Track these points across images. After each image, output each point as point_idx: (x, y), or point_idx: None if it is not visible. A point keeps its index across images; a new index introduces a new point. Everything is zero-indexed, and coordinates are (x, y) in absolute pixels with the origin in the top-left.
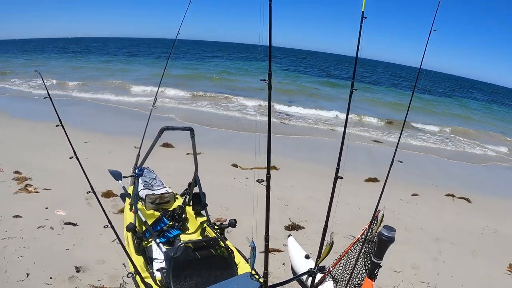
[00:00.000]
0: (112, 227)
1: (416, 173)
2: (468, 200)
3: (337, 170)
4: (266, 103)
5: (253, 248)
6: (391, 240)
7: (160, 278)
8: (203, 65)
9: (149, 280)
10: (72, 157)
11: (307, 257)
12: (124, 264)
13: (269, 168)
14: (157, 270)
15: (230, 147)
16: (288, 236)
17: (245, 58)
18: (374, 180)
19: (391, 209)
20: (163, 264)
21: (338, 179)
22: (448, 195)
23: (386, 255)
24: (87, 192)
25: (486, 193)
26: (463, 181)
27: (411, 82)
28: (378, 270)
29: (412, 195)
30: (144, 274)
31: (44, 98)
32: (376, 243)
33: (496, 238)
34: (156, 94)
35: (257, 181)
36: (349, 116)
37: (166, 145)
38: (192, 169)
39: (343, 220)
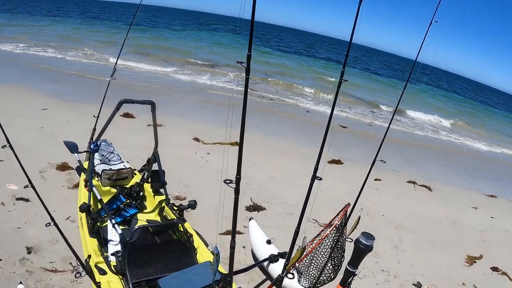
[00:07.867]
0: (56, 225)
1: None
2: (429, 189)
3: (315, 170)
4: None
5: (217, 255)
6: (369, 248)
7: (115, 263)
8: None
9: (103, 266)
10: (5, 146)
11: (268, 242)
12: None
13: (239, 169)
14: (112, 254)
15: (195, 118)
16: (250, 219)
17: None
18: (338, 162)
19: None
20: (119, 247)
21: (316, 180)
22: (409, 182)
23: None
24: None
25: (446, 182)
26: (426, 169)
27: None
28: (352, 279)
29: (375, 179)
30: (98, 259)
31: None
32: (353, 250)
33: (455, 229)
34: (115, 64)
35: (224, 181)
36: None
37: (127, 115)
38: (152, 142)
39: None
